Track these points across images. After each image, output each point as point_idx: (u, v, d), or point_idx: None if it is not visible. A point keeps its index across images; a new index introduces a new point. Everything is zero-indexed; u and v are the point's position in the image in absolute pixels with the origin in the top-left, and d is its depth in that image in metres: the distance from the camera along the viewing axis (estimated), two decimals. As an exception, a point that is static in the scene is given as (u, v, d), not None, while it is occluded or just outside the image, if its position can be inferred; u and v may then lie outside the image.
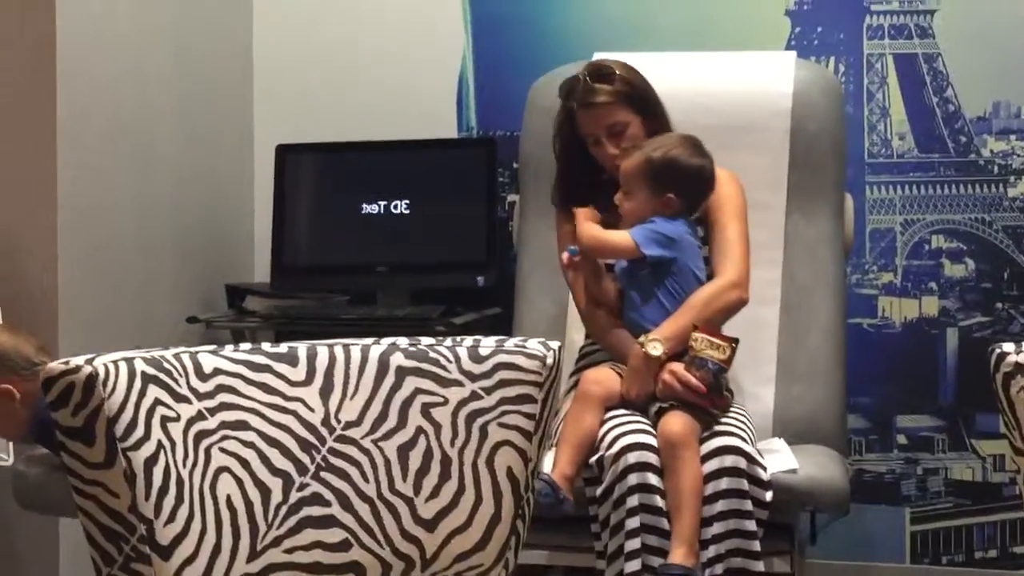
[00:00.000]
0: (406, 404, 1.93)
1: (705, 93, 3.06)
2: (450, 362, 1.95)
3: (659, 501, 2.43)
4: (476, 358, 1.95)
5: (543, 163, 3.06)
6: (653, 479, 2.44)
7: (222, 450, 1.84)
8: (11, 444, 2.68)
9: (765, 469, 2.48)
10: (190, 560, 1.78)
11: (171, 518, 1.77)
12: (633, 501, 2.43)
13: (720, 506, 2.43)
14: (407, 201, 3.42)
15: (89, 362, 1.74)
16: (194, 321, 3.33)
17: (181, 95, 3.39)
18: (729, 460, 2.45)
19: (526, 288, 3.15)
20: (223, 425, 1.85)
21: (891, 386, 3.43)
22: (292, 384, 1.92)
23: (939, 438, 3.40)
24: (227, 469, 1.84)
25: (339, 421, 1.92)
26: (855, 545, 3.40)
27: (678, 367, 2.55)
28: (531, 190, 3.16)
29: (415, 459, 1.92)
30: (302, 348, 1.95)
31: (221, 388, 1.87)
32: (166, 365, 1.83)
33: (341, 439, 1.91)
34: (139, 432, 1.75)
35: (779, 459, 2.59)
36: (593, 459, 2.50)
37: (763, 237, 2.89)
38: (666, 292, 2.64)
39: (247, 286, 3.54)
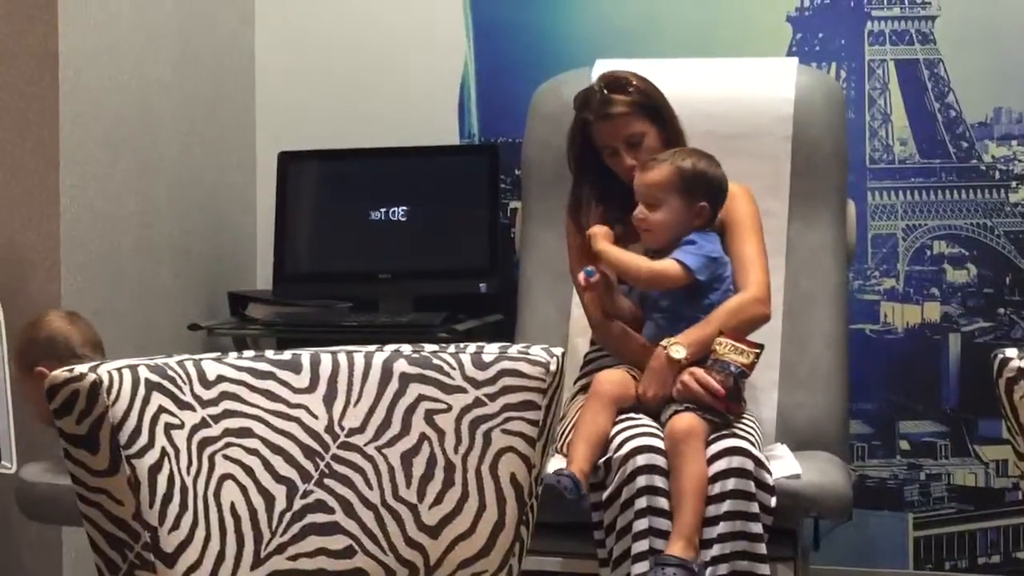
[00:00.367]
0: (410, 411, 1.93)
1: (707, 100, 3.06)
2: (453, 369, 1.95)
3: (666, 504, 2.43)
4: (479, 365, 1.95)
5: (545, 170, 3.07)
6: (660, 482, 2.44)
7: (226, 457, 1.85)
8: (14, 452, 2.68)
9: (771, 474, 2.48)
10: (194, 567, 1.78)
11: (175, 525, 1.77)
12: (641, 503, 2.43)
13: (727, 506, 2.43)
14: (409, 208, 3.43)
15: (93, 369, 1.74)
16: (196, 328, 3.33)
17: (183, 103, 3.40)
18: (737, 461, 2.45)
19: (529, 295, 3.16)
20: (227, 432, 1.86)
21: (893, 392, 3.43)
22: (296, 391, 1.92)
23: (942, 444, 3.40)
24: (231, 476, 1.84)
25: (343, 428, 1.92)
26: (858, 551, 3.40)
27: (698, 370, 2.56)
28: (533, 196, 3.16)
29: (419, 466, 1.92)
30: (305, 355, 1.95)
31: (225, 395, 1.87)
32: (170, 372, 1.84)
33: (345, 446, 1.91)
34: (143, 439, 1.76)
35: (782, 465, 2.59)
36: (601, 460, 2.51)
37: (765, 243, 2.89)
38: (700, 309, 2.65)
39: (249, 293, 3.54)
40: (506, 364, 1.94)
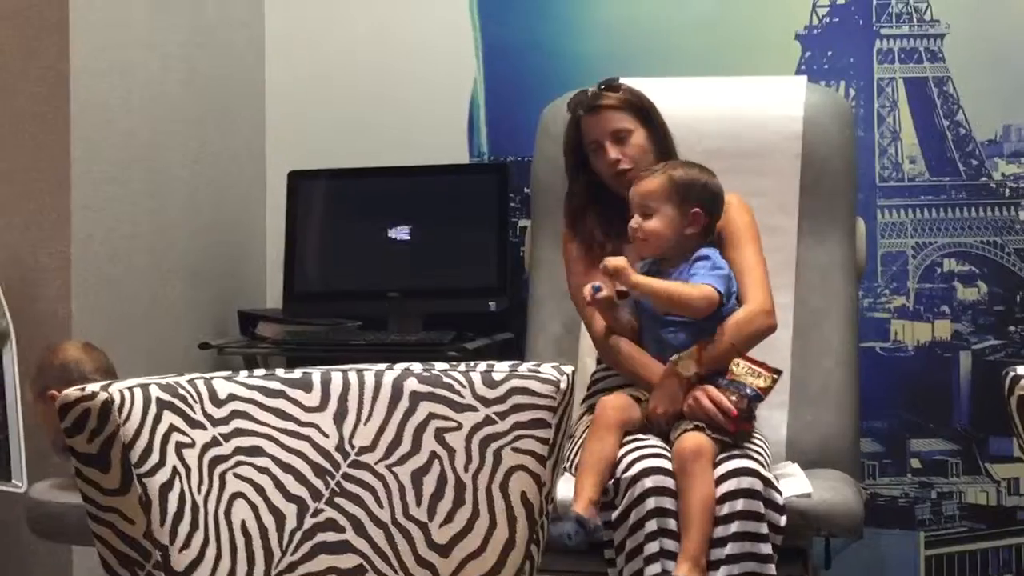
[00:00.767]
0: (420, 429, 1.94)
1: (716, 118, 3.07)
2: (464, 387, 1.95)
3: (675, 525, 2.42)
4: (490, 383, 1.95)
5: (555, 188, 3.07)
6: (670, 503, 2.43)
7: (237, 476, 1.85)
8: (24, 471, 2.68)
9: (781, 494, 2.48)
10: (205, 586, 1.78)
11: (186, 544, 1.77)
12: (652, 526, 2.42)
13: (735, 527, 2.42)
14: (419, 227, 3.43)
15: (104, 388, 1.75)
16: (206, 347, 3.34)
17: (193, 123, 3.41)
18: (746, 482, 2.44)
19: (538, 313, 3.16)
20: (238, 451, 1.86)
21: (904, 410, 3.42)
22: (306, 410, 1.92)
23: (953, 462, 3.39)
24: (242, 495, 1.84)
25: (353, 446, 1.92)
26: (869, 570, 3.38)
27: (712, 388, 2.55)
28: (543, 215, 3.17)
29: (429, 484, 1.92)
30: (316, 373, 1.95)
31: (236, 414, 1.88)
32: (181, 391, 1.84)
33: (355, 464, 1.91)
34: (154, 458, 1.76)
35: (793, 483, 2.59)
36: (610, 482, 2.50)
37: (775, 261, 2.89)
38: (711, 323, 2.64)
39: (259, 312, 3.55)
40: (516, 382, 1.94)
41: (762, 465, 2.50)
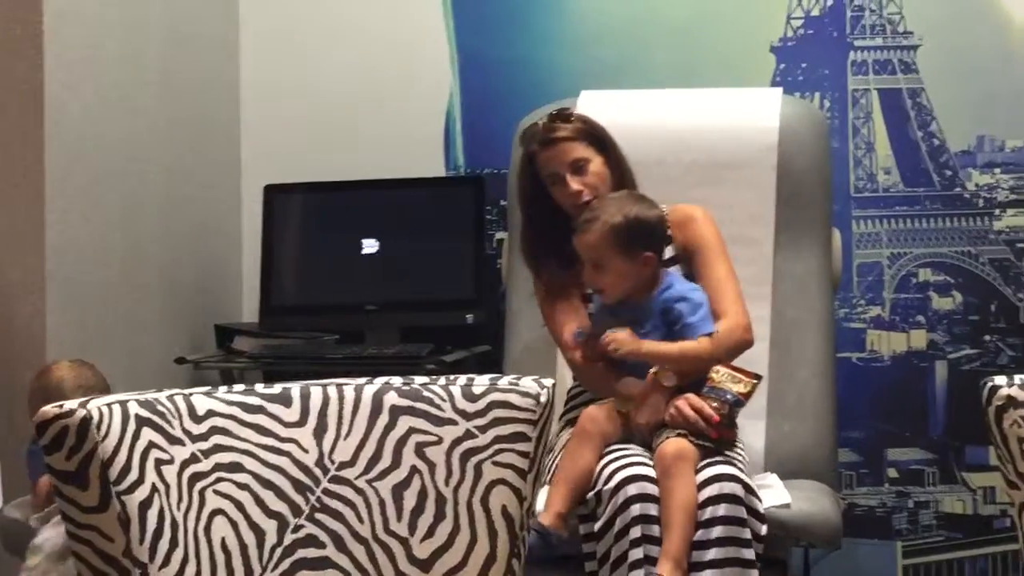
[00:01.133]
0: (400, 443, 1.93)
1: (692, 129, 3.07)
2: (444, 401, 1.94)
3: (659, 532, 2.42)
4: (470, 396, 1.94)
5: (531, 201, 3.06)
6: (654, 510, 2.43)
7: (216, 492, 1.84)
8: (0, 487, 2.66)
9: (761, 502, 2.48)
10: (185, 604, 1.77)
11: (166, 562, 1.76)
12: (636, 532, 2.42)
13: (718, 531, 2.42)
14: (395, 240, 3.43)
15: (83, 405, 1.74)
16: (183, 362, 3.32)
17: (168, 137, 3.39)
18: (728, 487, 2.44)
19: (515, 325, 3.15)
20: (217, 467, 1.85)
21: (881, 419, 3.43)
22: (286, 425, 1.91)
23: (929, 471, 3.40)
24: (221, 511, 1.83)
25: (333, 461, 1.91)
26: (848, 580, 3.40)
27: (693, 396, 2.56)
28: (519, 228, 3.16)
29: (410, 499, 1.92)
30: (295, 388, 1.95)
31: (215, 430, 1.87)
32: (160, 407, 1.83)
33: (335, 480, 1.91)
34: (133, 475, 1.75)
35: (772, 494, 2.59)
36: (590, 494, 2.49)
37: (751, 273, 2.90)
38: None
39: (236, 326, 3.53)
40: (496, 396, 1.94)
41: (743, 472, 2.50)
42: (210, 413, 1.88)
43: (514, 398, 1.94)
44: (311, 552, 1.87)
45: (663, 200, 2.72)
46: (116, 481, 1.73)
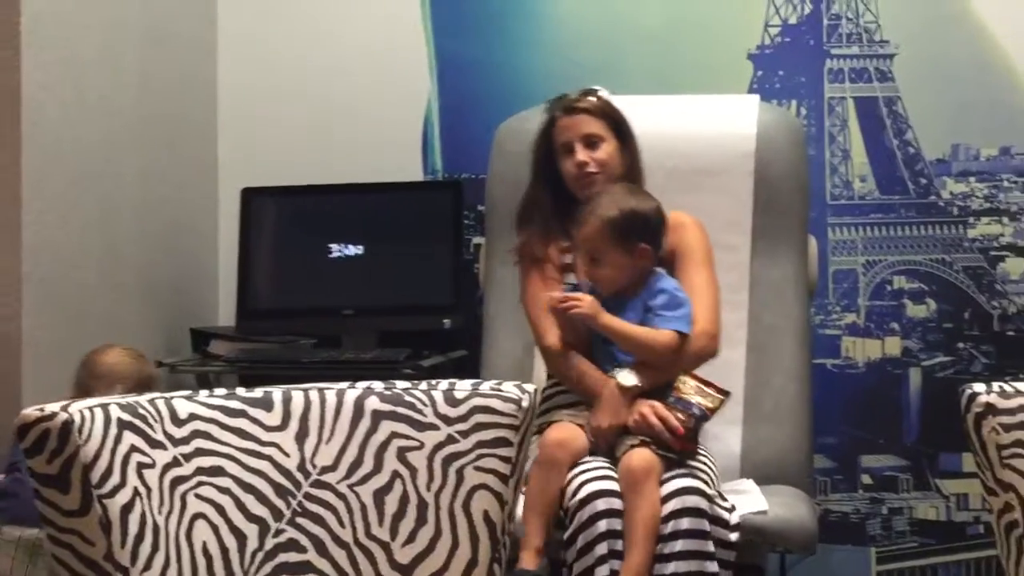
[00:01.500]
0: (382, 448, 1.93)
1: (669, 136, 3.08)
2: (426, 406, 1.94)
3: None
4: (452, 401, 1.95)
5: (509, 205, 3.07)
6: (619, 525, 2.43)
7: (198, 496, 1.83)
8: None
9: (729, 511, 2.48)
10: (166, 608, 1.76)
11: (147, 566, 1.75)
12: (602, 549, 2.41)
13: (680, 545, 2.41)
14: (373, 244, 3.43)
15: (64, 409, 1.73)
16: (159, 365, 3.30)
17: (146, 141, 3.38)
18: (691, 501, 2.44)
19: (493, 330, 3.15)
20: (199, 471, 1.84)
21: (855, 426, 3.45)
22: (267, 429, 1.91)
23: (903, 478, 3.42)
24: (203, 516, 1.83)
25: (315, 466, 1.91)
26: (823, 586, 3.41)
27: (660, 404, 2.56)
28: (497, 233, 3.16)
29: (391, 504, 1.92)
30: (277, 393, 1.94)
31: (196, 434, 1.86)
32: (141, 411, 1.82)
33: (317, 484, 1.91)
34: (115, 479, 1.74)
35: (748, 500, 2.60)
36: (561, 510, 2.48)
37: (728, 279, 2.91)
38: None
39: (212, 330, 3.52)
40: (478, 401, 1.94)
41: (708, 483, 2.50)
42: (192, 417, 1.87)
43: (496, 403, 1.94)
44: (292, 556, 1.87)
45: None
46: (98, 485, 1.72)
